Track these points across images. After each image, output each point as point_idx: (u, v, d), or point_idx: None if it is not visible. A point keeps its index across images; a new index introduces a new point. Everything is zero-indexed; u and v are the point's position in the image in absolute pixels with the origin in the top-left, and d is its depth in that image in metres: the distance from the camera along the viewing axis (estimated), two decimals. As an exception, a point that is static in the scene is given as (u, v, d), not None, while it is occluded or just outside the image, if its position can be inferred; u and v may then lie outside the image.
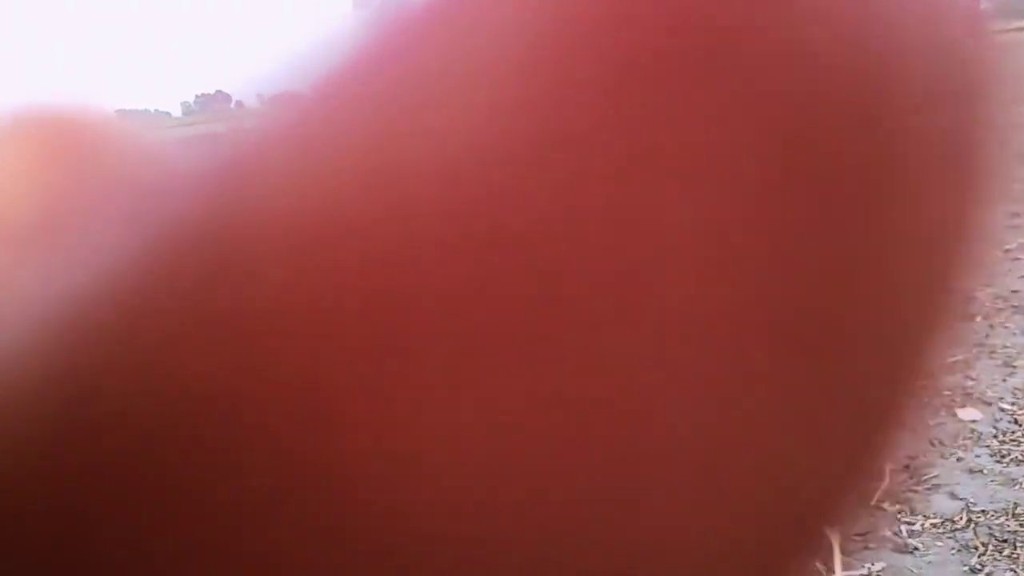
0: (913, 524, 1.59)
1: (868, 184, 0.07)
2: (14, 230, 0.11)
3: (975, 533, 1.54)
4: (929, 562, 1.45)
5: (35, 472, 0.07)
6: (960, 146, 0.08)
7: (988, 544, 1.51)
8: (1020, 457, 1.80)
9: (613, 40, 0.07)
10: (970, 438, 1.89)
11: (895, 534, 1.56)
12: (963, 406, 2.03)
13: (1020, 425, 1.93)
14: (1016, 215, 3.24)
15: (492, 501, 0.07)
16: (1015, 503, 1.63)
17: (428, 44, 0.07)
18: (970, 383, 2.13)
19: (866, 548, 1.51)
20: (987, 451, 1.84)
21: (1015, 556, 1.43)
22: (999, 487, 1.71)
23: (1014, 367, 2.21)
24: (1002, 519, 1.59)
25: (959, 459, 1.81)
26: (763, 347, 0.07)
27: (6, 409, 0.07)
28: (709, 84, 0.07)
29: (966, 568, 1.46)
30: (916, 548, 1.49)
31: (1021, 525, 1.53)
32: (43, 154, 0.12)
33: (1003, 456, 1.82)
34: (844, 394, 0.07)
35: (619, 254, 0.07)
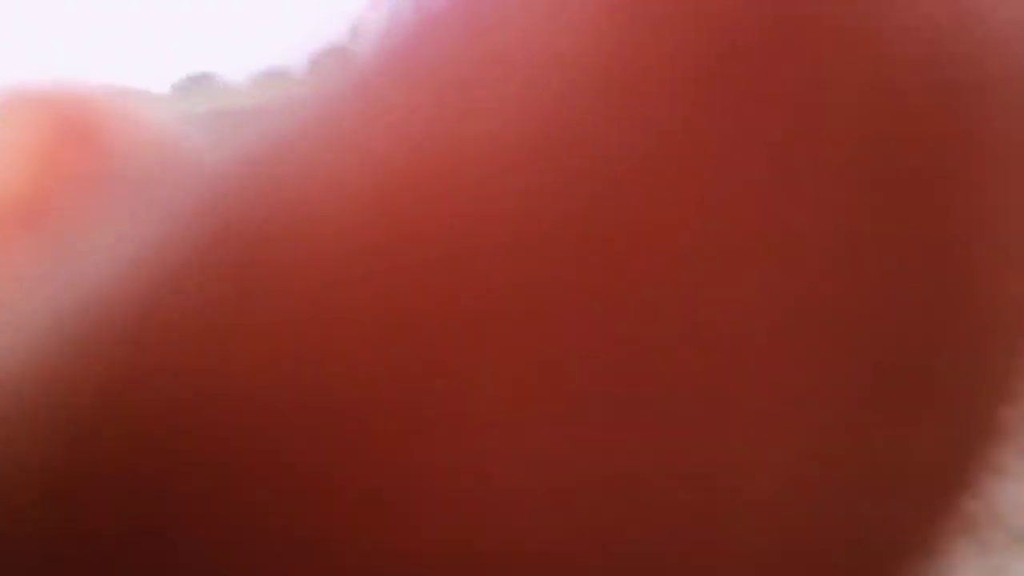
0: (933, 522, 1.59)
1: (970, 188, 0.07)
2: (18, 219, 0.10)
3: (996, 532, 1.53)
4: (949, 562, 1.44)
5: (36, 485, 0.07)
6: None
7: (1008, 543, 1.50)
8: (1044, 455, 1.80)
9: (691, 27, 0.06)
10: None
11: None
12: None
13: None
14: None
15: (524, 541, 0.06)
16: (1038, 502, 1.62)
17: (490, 20, 0.07)
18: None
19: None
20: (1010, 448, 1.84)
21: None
22: (1023, 485, 1.70)
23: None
24: (1024, 518, 1.58)
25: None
26: (848, 368, 0.07)
27: (6, 416, 0.07)
28: (795, 73, 0.06)
29: (986, 567, 1.45)
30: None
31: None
32: (47, 137, 0.11)
33: (1026, 454, 1.81)
34: (934, 430, 0.07)
35: (702, 256, 0.06)
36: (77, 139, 0.11)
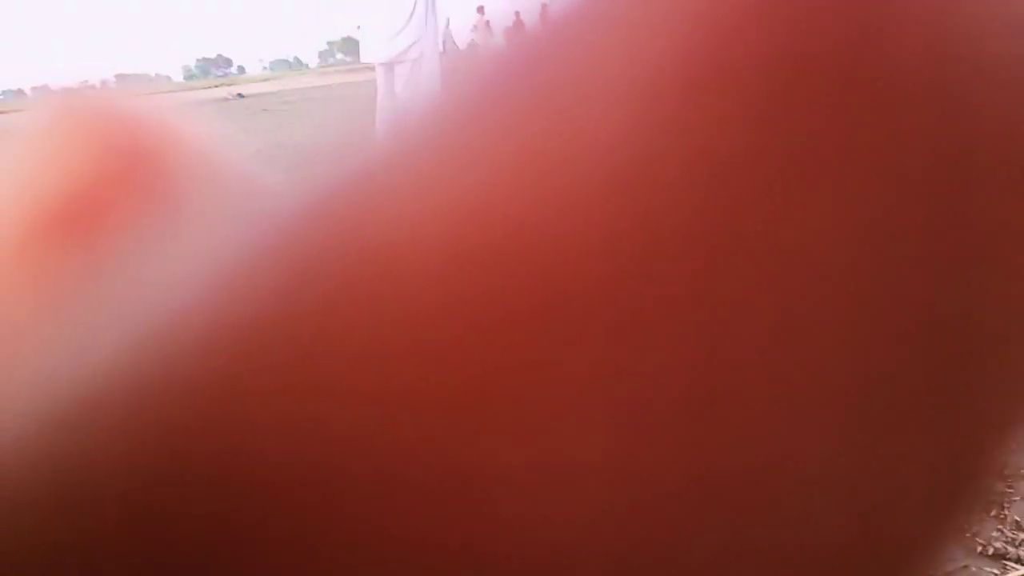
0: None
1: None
2: (66, 232, 0.10)
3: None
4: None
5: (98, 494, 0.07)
6: None
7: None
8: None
9: (764, 41, 0.06)
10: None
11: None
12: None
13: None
14: None
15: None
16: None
17: (578, 39, 0.06)
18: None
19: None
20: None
21: (1002, 516, 1.44)
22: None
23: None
24: (989, 480, 1.59)
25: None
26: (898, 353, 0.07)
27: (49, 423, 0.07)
28: (860, 82, 0.06)
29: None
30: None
31: (1008, 486, 1.55)
32: (93, 149, 0.11)
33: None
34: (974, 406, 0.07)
35: (774, 261, 0.06)
36: (124, 152, 0.11)
